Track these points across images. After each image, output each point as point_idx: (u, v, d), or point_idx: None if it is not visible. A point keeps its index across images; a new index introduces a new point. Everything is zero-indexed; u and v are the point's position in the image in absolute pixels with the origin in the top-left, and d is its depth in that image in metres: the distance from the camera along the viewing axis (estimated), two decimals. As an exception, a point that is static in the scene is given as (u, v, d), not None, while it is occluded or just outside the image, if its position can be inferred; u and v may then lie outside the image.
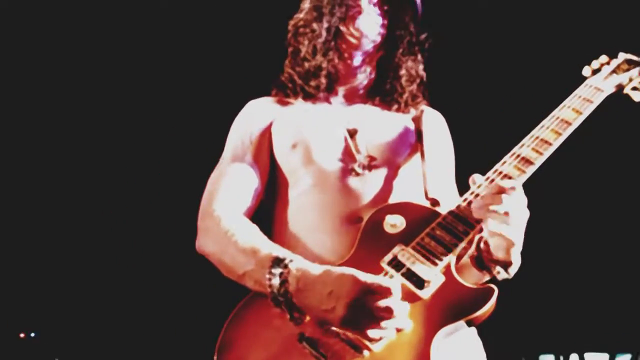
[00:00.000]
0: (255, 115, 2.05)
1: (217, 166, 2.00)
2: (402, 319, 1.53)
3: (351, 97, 2.08)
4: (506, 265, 1.67)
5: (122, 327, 5.14)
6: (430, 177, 1.92)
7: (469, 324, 1.56)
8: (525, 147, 1.70)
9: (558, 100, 1.77)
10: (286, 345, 1.58)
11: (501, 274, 1.67)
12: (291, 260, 1.61)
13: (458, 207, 1.66)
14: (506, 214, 1.57)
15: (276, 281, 1.60)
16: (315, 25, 2.02)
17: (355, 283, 1.52)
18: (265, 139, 1.99)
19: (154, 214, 4.83)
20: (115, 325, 5.14)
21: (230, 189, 1.90)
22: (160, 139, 4.33)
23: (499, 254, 1.65)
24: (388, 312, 1.49)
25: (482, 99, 2.80)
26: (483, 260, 1.69)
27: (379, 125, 1.99)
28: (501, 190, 1.59)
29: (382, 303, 1.49)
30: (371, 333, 1.52)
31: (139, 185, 4.85)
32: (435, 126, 2.07)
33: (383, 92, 2.07)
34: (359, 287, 1.51)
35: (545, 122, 1.74)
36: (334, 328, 1.56)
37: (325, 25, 1.99)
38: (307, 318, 1.59)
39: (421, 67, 2.10)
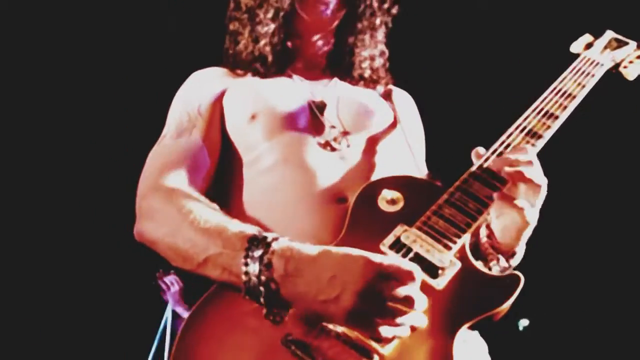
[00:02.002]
0: (204, 84, 1.81)
1: (157, 142, 1.72)
2: (420, 314, 1.28)
3: (313, 73, 1.90)
4: (509, 253, 1.51)
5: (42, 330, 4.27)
6: (418, 154, 1.77)
7: (482, 322, 1.33)
8: (530, 119, 1.58)
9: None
10: (265, 352, 1.27)
11: (500, 264, 1.50)
12: (275, 239, 1.32)
13: (466, 181, 1.47)
14: (537, 185, 1.42)
15: (254, 266, 1.29)
16: (259, 6, 1.83)
17: (367, 265, 1.24)
18: (216, 110, 1.74)
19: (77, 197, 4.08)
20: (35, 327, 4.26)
21: (178, 165, 1.60)
22: (86, 113, 3.69)
23: (506, 238, 1.49)
24: (408, 304, 1.23)
25: (452, 82, 2.69)
26: (479, 248, 1.53)
27: (349, 100, 1.81)
28: (526, 155, 1.45)
29: (402, 291, 1.23)
30: (383, 331, 1.24)
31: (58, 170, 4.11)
32: (407, 106, 1.94)
33: (344, 68, 1.91)
34: (372, 270, 1.23)
35: (546, 94, 1.65)
36: (331, 326, 1.26)
37: (275, 5, 1.81)
38: (289, 314, 1.28)
39: (381, 44, 1.95)
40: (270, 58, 1.82)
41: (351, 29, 1.91)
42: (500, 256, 1.52)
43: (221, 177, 1.69)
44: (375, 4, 1.92)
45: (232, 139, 1.70)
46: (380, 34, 1.95)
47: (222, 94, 1.77)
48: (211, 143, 1.68)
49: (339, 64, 1.92)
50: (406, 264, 1.26)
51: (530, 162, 1.44)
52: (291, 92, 1.78)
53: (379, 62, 1.94)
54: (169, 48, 2.83)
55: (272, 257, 1.29)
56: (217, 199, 1.59)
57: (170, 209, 1.46)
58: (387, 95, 1.93)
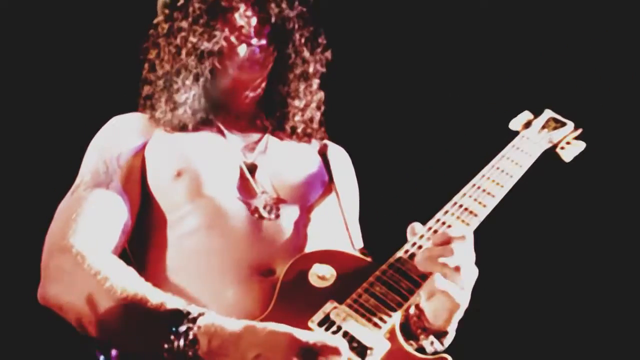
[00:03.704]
0: (125, 132, 1.75)
1: (69, 194, 1.65)
2: None
3: (242, 123, 1.86)
4: (441, 334, 1.52)
5: None
6: (352, 224, 1.76)
7: None
8: (467, 197, 1.61)
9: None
10: None
11: (434, 345, 1.51)
12: (200, 314, 1.29)
13: (399, 259, 1.48)
14: (457, 268, 1.42)
15: (179, 343, 1.25)
16: (177, 73, 1.75)
17: (292, 342, 1.22)
18: (136, 163, 1.69)
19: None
20: None
21: (92, 221, 1.54)
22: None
23: (438, 320, 1.50)
24: None
25: (391, 137, 2.68)
26: (410, 328, 1.53)
27: (283, 161, 1.79)
28: (449, 241, 1.45)
29: None
30: None
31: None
32: (343, 165, 1.93)
33: (275, 120, 1.88)
34: (298, 347, 1.22)
35: (485, 171, 1.68)
36: None
37: (194, 71, 1.74)
38: None
39: (317, 94, 1.92)
40: (191, 125, 1.76)
41: (282, 78, 1.88)
42: (432, 337, 1.52)
43: (139, 236, 1.63)
44: (307, 51, 1.88)
45: (154, 195, 1.65)
46: (315, 83, 1.92)
47: (144, 145, 1.72)
48: (131, 198, 1.63)
49: (271, 114, 1.89)
50: (332, 340, 1.25)
51: (450, 250, 1.43)
52: (219, 149, 1.75)
53: (313, 112, 1.91)
54: (82, 85, 2.66)
55: (197, 334, 1.26)
56: (134, 260, 1.56)
57: (83, 274, 1.40)
58: (322, 153, 1.91)
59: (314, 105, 1.92)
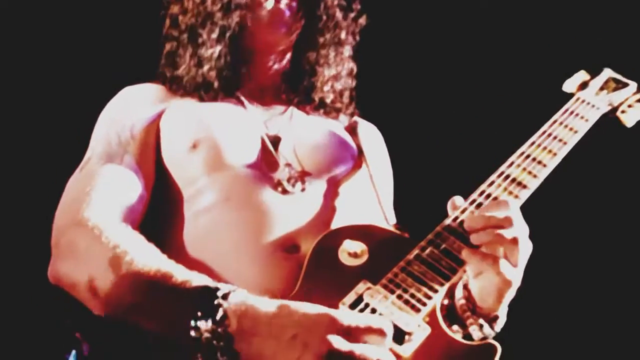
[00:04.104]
0: (137, 103, 1.65)
1: (78, 170, 1.56)
2: None
3: (266, 96, 1.74)
4: (491, 319, 1.41)
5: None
6: (385, 200, 1.64)
7: None
8: (515, 167, 1.48)
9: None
10: None
11: (483, 330, 1.39)
12: (232, 291, 1.17)
13: (439, 235, 1.36)
14: (515, 241, 1.30)
15: (209, 320, 1.13)
16: (202, 25, 1.65)
17: (332, 324, 1.10)
18: (151, 134, 1.59)
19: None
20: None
21: (107, 194, 1.45)
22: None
23: (487, 301, 1.38)
24: None
25: (428, 117, 2.52)
26: (456, 312, 1.43)
27: (309, 133, 1.68)
28: (506, 211, 1.33)
29: (372, 354, 1.10)
30: None
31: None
32: (375, 143, 1.80)
33: (302, 92, 1.76)
34: (338, 330, 1.10)
35: (535, 138, 1.55)
36: None
37: (220, 23, 1.64)
38: None
39: (349, 64, 1.80)
40: (216, 84, 1.65)
41: (312, 44, 1.76)
42: (482, 321, 1.41)
43: (155, 212, 1.53)
44: (340, 14, 1.76)
45: (169, 169, 1.55)
46: (347, 50, 1.79)
47: (159, 115, 1.62)
48: (145, 172, 1.53)
49: (297, 86, 1.77)
50: (377, 322, 1.14)
51: (509, 220, 1.32)
52: (240, 120, 1.64)
53: (344, 83, 1.79)
54: (92, 55, 2.52)
55: (228, 311, 1.14)
56: (151, 238, 1.43)
57: (100, 247, 1.30)
58: (351, 129, 1.79)
59: (344, 74, 1.80)
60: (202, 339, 1.14)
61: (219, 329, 1.14)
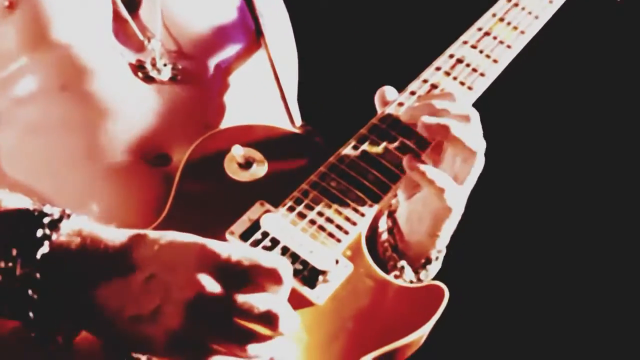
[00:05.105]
0: None
1: None
2: (286, 342, 0.88)
3: None
4: (420, 260, 1.15)
5: None
6: (290, 94, 1.32)
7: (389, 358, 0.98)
8: (469, 47, 1.16)
9: None
10: None
11: (404, 275, 1.13)
12: (63, 216, 0.86)
13: (364, 139, 1.08)
14: (471, 151, 1.04)
15: (22, 262, 0.83)
16: None
17: (204, 258, 0.83)
18: None
19: None
20: None
21: None
22: None
23: (418, 231, 1.13)
24: (269, 323, 0.82)
25: None
26: (375, 249, 1.18)
27: None
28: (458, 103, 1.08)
29: (261, 302, 0.82)
30: None
31: None
32: (276, 13, 1.43)
33: None
34: (213, 266, 0.82)
35: (497, 9, 1.22)
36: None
37: None
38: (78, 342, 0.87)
39: None
40: None
41: None
42: (403, 262, 1.14)
43: None
44: None
45: None
46: None
47: None
48: None
49: None
50: (268, 258, 0.85)
51: (464, 116, 1.06)
52: None
53: None
54: None
55: (56, 246, 0.84)
56: None
57: None
58: None
59: None
60: (12, 288, 0.83)
61: (38, 274, 0.83)
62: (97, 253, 0.85)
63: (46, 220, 0.86)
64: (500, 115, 1.30)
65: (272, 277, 0.83)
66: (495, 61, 1.18)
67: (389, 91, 1.14)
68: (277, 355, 0.88)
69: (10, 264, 0.84)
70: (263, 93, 1.30)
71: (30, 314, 0.84)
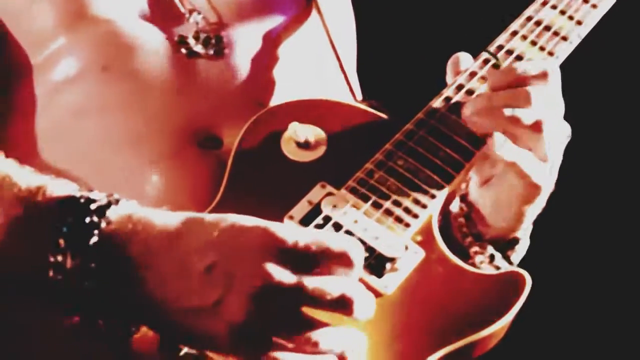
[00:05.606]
0: None
1: None
2: (356, 335, 0.84)
3: None
4: (506, 244, 1.09)
5: None
6: (347, 63, 1.25)
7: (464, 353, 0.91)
8: (549, 8, 1.09)
9: None
10: None
11: (495, 262, 1.09)
12: (111, 201, 0.81)
13: (434, 114, 1.01)
14: (537, 126, 0.97)
15: (72, 253, 0.78)
16: None
17: (268, 243, 0.76)
18: None
19: None
20: None
21: None
22: None
23: (500, 218, 1.07)
24: (344, 307, 0.77)
25: None
26: (450, 233, 1.11)
27: None
28: (522, 81, 0.99)
29: (334, 287, 0.76)
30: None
31: None
32: None
33: None
34: (278, 251, 0.76)
35: None
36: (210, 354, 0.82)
37: None
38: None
39: None
40: None
41: None
42: (491, 249, 1.09)
43: None
44: None
45: (5, 22, 1.11)
46: None
47: None
48: None
49: None
50: (337, 240, 0.79)
51: (544, 76, 0.99)
52: None
53: None
54: None
55: (107, 233, 0.79)
56: None
57: None
58: None
59: None
60: (64, 281, 0.78)
61: (92, 264, 0.77)
62: (151, 240, 0.79)
63: (93, 206, 0.80)
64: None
65: (343, 260, 0.78)
66: (579, 23, 1.09)
67: (464, 58, 1.07)
68: (347, 349, 0.81)
69: (59, 257, 0.79)
70: (319, 64, 1.24)
71: (84, 308, 0.80)
